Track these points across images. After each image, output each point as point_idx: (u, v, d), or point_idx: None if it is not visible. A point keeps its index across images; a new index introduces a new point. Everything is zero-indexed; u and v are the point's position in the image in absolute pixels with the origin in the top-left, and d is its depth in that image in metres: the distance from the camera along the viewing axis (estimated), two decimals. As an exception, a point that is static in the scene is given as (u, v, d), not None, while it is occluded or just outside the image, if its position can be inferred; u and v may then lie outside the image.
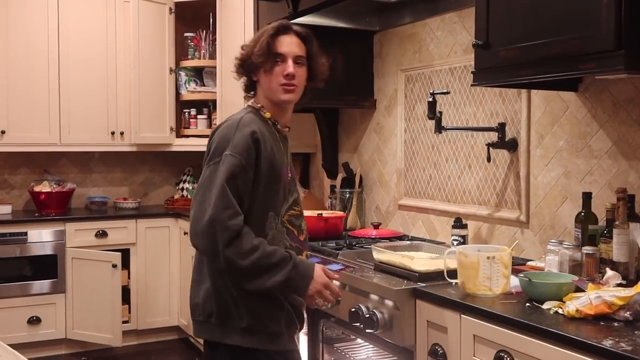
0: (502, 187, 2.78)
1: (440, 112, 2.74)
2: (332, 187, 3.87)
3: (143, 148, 4.97)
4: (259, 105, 2.07)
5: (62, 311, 4.43)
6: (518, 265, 2.39)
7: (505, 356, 1.83)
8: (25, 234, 4.37)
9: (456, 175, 3.03)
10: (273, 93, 2.03)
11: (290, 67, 2.00)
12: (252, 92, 2.12)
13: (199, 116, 5.06)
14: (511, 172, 2.73)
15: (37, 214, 4.61)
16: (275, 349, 1.96)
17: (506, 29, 2.13)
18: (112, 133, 4.82)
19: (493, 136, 2.75)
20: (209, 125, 5.02)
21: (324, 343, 2.78)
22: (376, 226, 3.24)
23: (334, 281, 2.06)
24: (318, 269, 1.98)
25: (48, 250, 4.43)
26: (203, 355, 2.09)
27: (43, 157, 4.93)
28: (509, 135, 2.71)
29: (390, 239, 3.08)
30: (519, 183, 2.68)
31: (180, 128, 5.07)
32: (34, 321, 4.36)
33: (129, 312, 4.66)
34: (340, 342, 2.79)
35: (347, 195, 3.70)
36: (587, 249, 2.15)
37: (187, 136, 5.04)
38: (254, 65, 2.03)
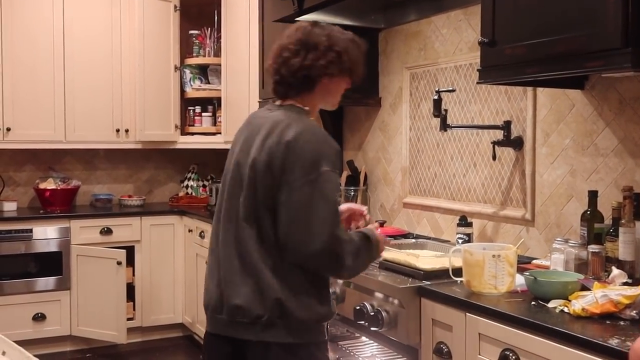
0: (507, 185, 2.77)
1: (446, 110, 2.73)
2: (337, 185, 3.86)
3: (148, 145, 4.98)
4: (307, 108, 2.01)
5: (66, 308, 4.44)
6: (523, 263, 2.39)
7: (511, 355, 1.82)
8: (31, 230, 4.38)
9: (461, 174, 3.03)
10: (334, 101, 2.07)
11: None
12: (300, 93, 2.02)
13: (203, 114, 5.07)
14: (517, 170, 2.72)
15: (42, 211, 4.62)
16: (315, 340, 1.94)
17: (512, 27, 2.12)
18: (117, 130, 4.83)
19: (498, 134, 2.74)
20: (214, 123, 5.02)
21: (328, 341, 2.77)
22: (381, 224, 3.24)
23: None
24: (374, 229, 2.07)
25: (53, 247, 4.44)
26: (234, 356, 1.99)
27: (48, 155, 4.94)
28: (514, 133, 2.70)
29: (395, 236, 3.08)
30: (525, 181, 2.67)
31: (185, 125, 5.08)
32: (39, 318, 4.37)
33: (134, 309, 4.67)
34: (345, 340, 2.79)
35: (352, 193, 3.69)
36: (592, 248, 2.14)
37: (192, 134, 5.05)
38: (345, 70, 2.02)
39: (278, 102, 2.05)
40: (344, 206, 2.21)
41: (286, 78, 1.98)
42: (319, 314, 1.92)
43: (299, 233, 1.83)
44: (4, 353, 1.96)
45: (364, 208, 2.28)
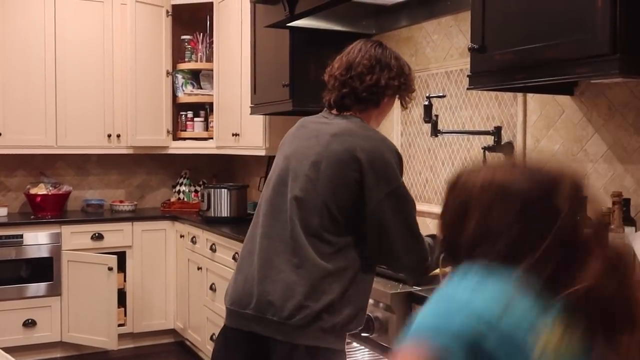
0: (498, 190, 2.77)
1: (437, 116, 2.74)
2: (329, 190, 3.86)
3: (139, 151, 4.97)
4: (365, 124, 2.04)
5: (57, 314, 4.42)
6: (514, 269, 2.39)
7: (501, 360, 1.82)
8: (21, 236, 4.36)
9: (452, 179, 3.03)
10: (382, 117, 2.16)
11: None
12: (367, 108, 2.06)
13: (195, 119, 5.06)
14: (507, 175, 2.72)
15: (33, 217, 4.60)
16: (338, 347, 1.93)
17: (502, 33, 2.13)
18: (109, 135, 4.82)
19: (489, 140, 2.75)
20: (206, 128, 5.02)
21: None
22: (372, 229, 3.23)
23: None
24: None
25: (44, 253, 4.42)
26: (254, 352, 1.97)
27: (39, 160, 4.92)
28: (505, 139, 2.71)
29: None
30: (515, 187, 2.68)
31: (177, 131, 5.07)
32: (30, 324, 4.35)
33: (125, 315, 4.65)
34: (336, 346, 2.78)
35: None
36: (582, 253, 2.14)
37: (184, 139, 5.05)
38: (405, 92, 2.12)
39: (335, 112, 2.06)
40: None
41: (358, 92, 2.01)
42: (351, 321, 1.92)
43: (385, 258, 1.99)
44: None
45: None
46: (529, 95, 2.61)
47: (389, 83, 2.03)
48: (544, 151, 2.55)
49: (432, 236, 2.07)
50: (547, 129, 2.54)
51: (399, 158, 1.97)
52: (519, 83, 2.10)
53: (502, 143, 2.70)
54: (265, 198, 2.03)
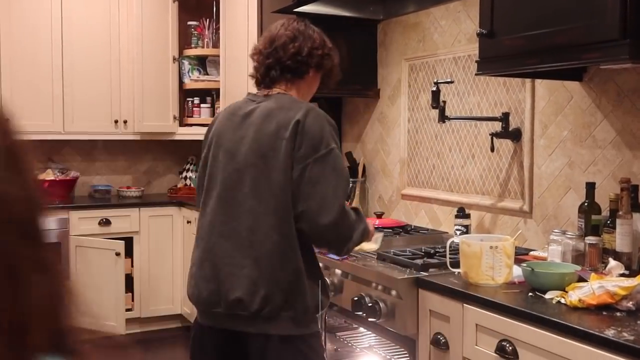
0: (505, 177, 2.78)
1: (444, 102, 2.73)
2: (335, 176, 3.87)
3: (146, 137, 4.97)
4: (293, 97, 2.05)
5: (65, 299, 4.44)
6: (521, 255, 2.39)
7: (508, 345, 1.83)
8: (29, 221, 4.37)
9: (459, 165, 3.03)
10: (310, 94, 2.15)
11: None
12: (293, 78, 2.07)
13: (202, 105, 5.05)
14: (515, 162, 2.72)
15: (40, 202, 4.61)
16: (311, 331, 1.96)
17: (511, 18, 2.12)
18: (116, 121, 4.82)
19: (497, 126, 2.74)
20: (212, 114, 5.01)
21: (326, 332, 2.78)
22: (379, 215, 3.24)
23: None
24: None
25: (52, 238, 4.43)
26: (229, 346, 2.00)
27: (47, 146, 4.93)
28: (512, 125, 2.71)
29: (393, 228, 3.08)
30: (523, 173, 2.68)
31: (183, 117, 5.07)
32: (38, 309, 4.38)
33: (132, 300, 4.68)
34: (342, 331, 2.80)
35: (350, 185, 3.69)
36: (590, 239, 2.15)
37: (191, 125, 5.04)
38: (329, 68, 2.12)
39: (263, 93, 2.05)
40: None
41: (283, 60, 2.02)
42: (320, 302, 1.95)
43: (315, 206, 1.88)
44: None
45: None
46: (537, 81, 2.60)
47: (312, 52, 2.03)
48: (552, 137, 2.54)
49: (356, 209, 2.06)
50: (556, 115, 2.53)
51: (331, 125, 1.98)
52: (529, 68, 2.10)
53: (510, 129, 2.70)
54: (214, 194, 2.01)
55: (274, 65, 2.03)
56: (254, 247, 1.91)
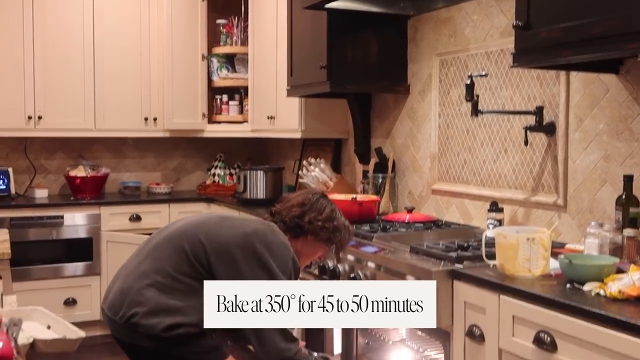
0: (539, 171, 2.76)
1: (478, 95, 2.72)
2: (365, 172, 3.88)
3: (175, 134, 5.02)
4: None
5: (97, 293, 4.51)
6: (556, 248, 2.38)
7: (546, 336, 1.83)
8: (62, 217, 4.45)
9: (491, 160, 3.02)
10: (304, 260, 2.32)
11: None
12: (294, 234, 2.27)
13: (230, 102, 5.10)
14: (549, 155, 2.71)
15: (72, 198, 4.69)
16: (211, 346, 2.15)
17: (548, 9, 2.11)
18: (146, 119, 4.88)
19: (530, 120, 2.73)
20: (241, 112, 5.06)
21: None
22: (410, 210, 3.24)
23: None
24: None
25: (83, 234, 4.51)
26: None
27: (78, 143, 5.01)
28: (546, 119, 2.69)
29: (424, 223, 3.08)
30: (557, 167, 2.66)
31: (212, 114, 5.12)
32: (70, 302, 4.45)
33: (162, 295, 4.72)
34: (374, 325, 2.80)
35: (380, 180, 3.70)
36: (628, 232, 2.13)
37: (219, 122, 5.09)
38: (330, 243, 2.31)
39: None
40: None
41: (282, 215, 2.26)
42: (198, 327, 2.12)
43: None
44: (49, 327, 2.01)
45: None
46: (572, 74, 2.58)
47: (311, 221, 2.23)
48: (588, 131, 2.52)
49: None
50: (591, 108, 2.51)
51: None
52: (566, 60, 2.08)
53: (544, 123, 2.68)
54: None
55: (276, 214, 2.29)
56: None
